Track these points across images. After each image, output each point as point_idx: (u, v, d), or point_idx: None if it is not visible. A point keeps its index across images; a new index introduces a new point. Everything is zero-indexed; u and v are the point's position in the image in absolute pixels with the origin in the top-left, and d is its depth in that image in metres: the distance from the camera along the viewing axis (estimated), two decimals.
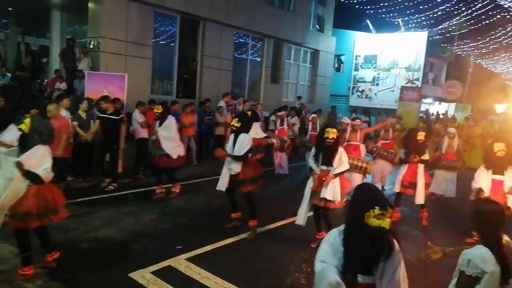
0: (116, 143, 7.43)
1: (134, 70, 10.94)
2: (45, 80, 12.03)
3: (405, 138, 7.11)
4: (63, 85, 10.12)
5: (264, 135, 8.23)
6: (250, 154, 5.48)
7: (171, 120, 7.03)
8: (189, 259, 4.66)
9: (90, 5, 10.70)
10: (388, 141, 8.55)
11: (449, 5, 18.99)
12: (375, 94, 22.11)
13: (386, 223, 2.09)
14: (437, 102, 25.93)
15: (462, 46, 25.47)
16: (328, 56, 20.03)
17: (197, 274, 4.31)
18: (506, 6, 18.70)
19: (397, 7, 19.90)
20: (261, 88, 16.28)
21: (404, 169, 6.63)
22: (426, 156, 6.56)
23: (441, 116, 19.71)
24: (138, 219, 6.01)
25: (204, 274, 4.30)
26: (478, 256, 2.27)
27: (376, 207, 2.09)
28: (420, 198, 6.44)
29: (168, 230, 5.67)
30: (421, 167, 6.50)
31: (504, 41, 24.04)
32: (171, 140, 6.95)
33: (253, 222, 5.56)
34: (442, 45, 27.09)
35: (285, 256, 4.99)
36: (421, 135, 6.51)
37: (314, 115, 10.25)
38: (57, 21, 12.99)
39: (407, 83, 20.60)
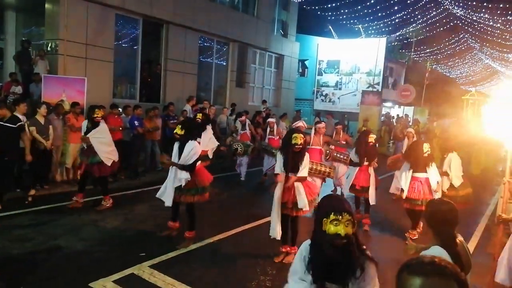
0: (11, 154, 6.32)
1: (95, 74, 10.64)
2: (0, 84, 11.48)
3: (357, 141, 7.21)
4: (18, 89, 9.68)
5: (215, 143, 8.04)
6: (199, 162, 5.27)
7: (103, 126, 6.64)
8: (153, 266, 4.58)
9: (47, 6, 10.32)
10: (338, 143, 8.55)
11: (405, 13, 19.79)
12: (338, 98, 22.65)
13: (341, 229, 2.08)
14: (397, 106, 26.91)
15: (419, 52, 26.59)
16: (292, 61, 20.33)
17: (161, 281, 4.24)
18: (458, 14, 19.72)
19: (357, 14, 20.50)
20: (227, 92, 16.28)
21: (355, 172, 6.75)
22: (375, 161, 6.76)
23: (404, 118, 20.42)
24: (100, 227, 5.84)
25: (169, 281, 4.24)
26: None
27: (331, 213, 2.10)
28: (373, 199, 6.62)
29: (131, 237, 5.55)
30: (371, 170, 6.68)
31: (458, 48, 25.32)
32: (106, 145, 6.62)
33: (191, 233, 5.34)
34: (401, 51, 28.22)
35: (250, 260, 5.00)
36: (371, 138, 6.64)
37: (271, 119, 9.98)
38: (11, 22, 12.45)
39: (368, 87, 21.24)
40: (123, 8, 11.39)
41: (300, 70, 24.45)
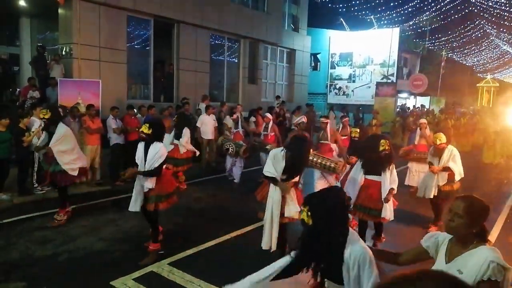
0: None
1: (109, 76, 10.79)
2: (18, 89, 11.73)
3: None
4: (36, 94, 9.88)
5: (190, 147, 7.75)
6: (164, 166, 4.85)
7: (62, 130, 5.72)
8: (172, 264, 4.63)
9: (60, 11, 10.49)
10: (346, 137, 8.14)
11: (418, 1, 19.45)
12: (352, 91, 22.42)
13: (303, 216, 2.26)
14: (412, 96, 26.52)
15: (433, 41, 26.12)
16: (304, 55, 20.21)
17: (180, 278, 4.28)
18: (473, 0, 19.28)
19: (368, 5, 20.25)
20: (240, 89, 16.29)
21: (347, 171, 5.90)
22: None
23: (418, 109, 20.12)
24: (119, 227, 5.92)
25: (188, 278, 4.28)
26: (499, 256, 1.99)
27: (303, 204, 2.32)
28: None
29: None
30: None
31: (473, 35, 24.78)
32: (68, 152, 5.80)
33: (155, 245, 4.82)
34: (415, 40, 27.76)
35: (268, 256, 4.99)
36: (355, 132, 5.93)
37: (268, 114, 9.25)
38: (26, 28, 12.71)
39: (382, 79, 20.97)
40: (134, 9, 11.49)
41: (313, 64, 24.28)
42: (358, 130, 5.90)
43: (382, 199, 4.60)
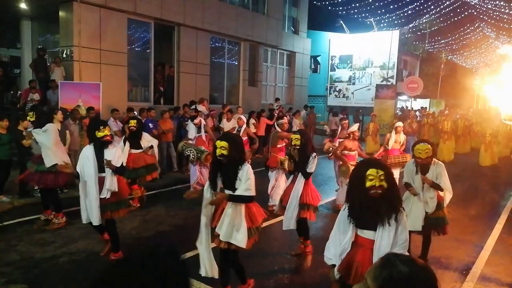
0: None
1: (110, 78, 10.82)
2: (18, 91, 11.77)
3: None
4: (36, 96, 9.92)
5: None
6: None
7: (50, 126, 5.71)
8: None
9: (61, 13, 10.54)
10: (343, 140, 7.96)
11: (418, 4, 19.51)
12: (352, 93, 22.44)
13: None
14: (412, 99, 26.54)
15: (433, 43, 26.17)
16: (304, 58, 20.26)
17: None
18: (472, 3, 19.34)
19: (368, 7, 20.31)
20: (240, 91, 16.33)
21: (288, 184, 5.14)
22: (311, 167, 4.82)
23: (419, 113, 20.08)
24: (118, 228, 5.88)
25: None
26: None
27: None
28: (286, 223, 4.86)
29: (150, 238, 5.62)
30: (299, 182, 4.85)
31: (473, 37, 24.84)
32: (53, 147, 5.69)
33: (116, 255, 4.70)
34: (414, 43, 27.81)
35: (267, 257, 5.01)
36: (295, 140, 4.79)
37: (242, 116, 8.47)
38: (27, 31, 12.76)
39: (382, 81, 20.99)
40: (134, 12, 11.54)
41: (313, 67, 24.33)
42: (299, 137, 4.77)
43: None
